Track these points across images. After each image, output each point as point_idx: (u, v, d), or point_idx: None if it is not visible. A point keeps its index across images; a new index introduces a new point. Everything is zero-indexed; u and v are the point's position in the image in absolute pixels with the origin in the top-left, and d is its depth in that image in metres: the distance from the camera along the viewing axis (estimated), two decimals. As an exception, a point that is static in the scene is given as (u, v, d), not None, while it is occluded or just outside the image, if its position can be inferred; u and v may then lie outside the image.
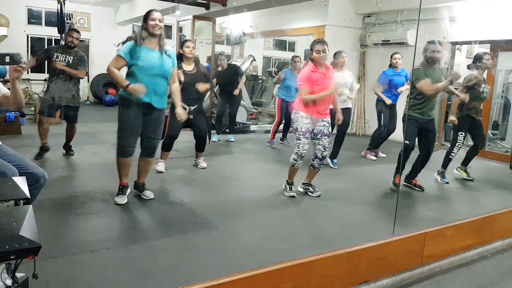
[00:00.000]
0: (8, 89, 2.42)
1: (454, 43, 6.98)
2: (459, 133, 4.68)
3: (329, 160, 5.21)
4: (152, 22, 3.24)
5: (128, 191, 3.54)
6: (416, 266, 2.62)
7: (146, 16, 3.30)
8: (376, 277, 2.43)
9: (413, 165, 4.32)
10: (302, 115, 3.67)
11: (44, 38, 10.77)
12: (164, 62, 3.30)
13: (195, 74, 4.43)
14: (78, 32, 4.84)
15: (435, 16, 6.60)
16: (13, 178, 1.82)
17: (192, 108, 4.38)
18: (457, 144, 4.68)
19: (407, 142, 4.06)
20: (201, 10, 7.69)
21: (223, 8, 7.19)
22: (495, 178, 5.19)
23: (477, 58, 4.66)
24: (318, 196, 3.93)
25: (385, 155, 5.88)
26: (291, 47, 12.79)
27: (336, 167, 5.22)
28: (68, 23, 7.48)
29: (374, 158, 5.84)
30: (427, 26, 6.72)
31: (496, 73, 7.07)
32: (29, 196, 1.60)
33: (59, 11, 7.22)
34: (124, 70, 3.32)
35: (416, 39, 3.98)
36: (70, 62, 4.71)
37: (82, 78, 4.89)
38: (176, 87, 3.60)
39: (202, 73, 4.53)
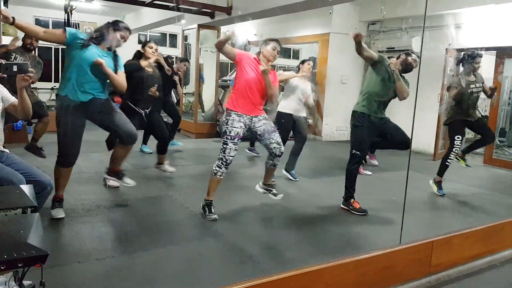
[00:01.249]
0: (16, 98, 2.45)
1: (460, 50, 6.96)
2: (455, 138, 4.47)
3: (286, 174, 4.85)
4: (119, 35, 3.14)
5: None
6: (423, 275, 2.59)
7: (118, 27, 3.17)
8: (383, 286, 2.41)
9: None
10: (234, 118, 3.30)
11: (51, 47, 10.90)
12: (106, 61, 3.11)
13: (153, 75, 4.20)
14: None
15: (440, 23, 6.61)
16: (21, 186, 1.83)
17: (147, 111, 4.19)
18: (454, 150, 4.45)
19: (357, 152, 3.66)
20: (206, 19, 7.75)
21: (228, 17, 7.23)
22: (503, 186, 5.14)
23: (465, 59, 4.48)
24: (280, 198, 3.69)
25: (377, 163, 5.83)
26: (296, 55, 12.82)
27: (297, 179, 4.84)
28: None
29: (370, 173, 5.43)
30: (433, 33, 6.72)
31: (503, 80, 7.04)
32: (36, 204, 1.61)
33: (66, 20, 7.30)
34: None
35: (422, 46, 3.96)
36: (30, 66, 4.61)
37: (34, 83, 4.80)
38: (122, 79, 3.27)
39: (158, 77, 4.33)
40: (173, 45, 12.46)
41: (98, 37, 3.12)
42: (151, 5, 7.39)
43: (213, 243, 2.94)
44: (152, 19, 9.42)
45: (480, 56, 4.46)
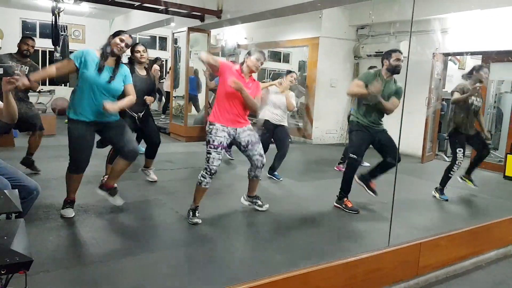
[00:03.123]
0: (1, 101, 2.41)
1: (446, 55, 7.07)
2: (457, 150, 4.46)
3: (271, 176, 5.05)
4: (118, 41, 3.19)
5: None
6: (412, 276, 2.61)
7: (117, 34, 3.24)
8: (372, 288, 2.42)
9: (372, 168, 4.11)
10: (218, 128, 3.32)
11: (39, 50, 10.77)
12: (115, 81, 3.21)
13: (146, 79, 4.22)
14: (33, 40, 4.67)
15: (427, 27, 6.70)
16: (5, 191, 1.80)
17: (141, 114, 4.22)
18: (457, 162, 4.45)
19: (353, 156, 3.82)
20: (196, 22, 7.74)
21: (218, 20, 7.24)
22: (489, 188, 5.22)
23: (473, 69, 4.56)
24: (266, 209, 3.74)
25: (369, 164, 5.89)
26: (286, 58, 12.88)
27: (281, 179, 5.01)
28: (62, 35, 7.48)
29: (368, 164, 5.76)
30: (420, 37, 6.81)
31: (488, 84, 7.16)
32: (21, 210, 1.59)
33: (53, 23, 7.22)
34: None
35: (409, 51, 4.01)
36: (26, 72, 4.48)
37: (34, 90, 4.66)
38: (129, 99, 3.32)
39: (152, 80, 4.36)
40: (163, 48, 12.42)
41: (103, 53, 3.18)
42: (140, 7, 7.36)
43: (203, 247, 2.93)
44: (142, 22, 9.39)
45: (487, 68, 4.58)
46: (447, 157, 7.38)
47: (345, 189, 3.95)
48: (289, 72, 5.04)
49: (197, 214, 3.38)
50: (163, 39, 12.47)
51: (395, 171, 4.18)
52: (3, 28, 9.96)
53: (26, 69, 4.53)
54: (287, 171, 4.99)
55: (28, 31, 10.76)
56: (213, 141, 3.30)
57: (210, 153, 3.31)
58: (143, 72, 4.23)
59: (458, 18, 6.45)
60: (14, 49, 4.66)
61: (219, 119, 3.35)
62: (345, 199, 3.94)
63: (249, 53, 3.44)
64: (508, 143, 6.09)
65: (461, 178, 4.93)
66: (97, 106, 3.12)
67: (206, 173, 3.32)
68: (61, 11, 7.40)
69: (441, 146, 7.67)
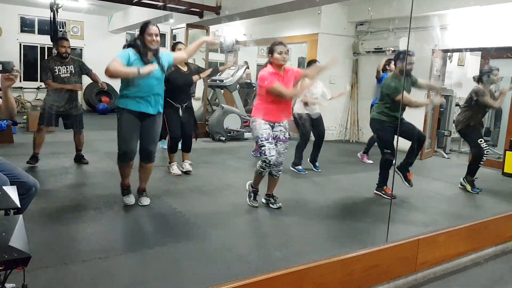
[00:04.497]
0: (0, 97, 2.41)
1: (445, 51, 7.06)
2: (478, 141, 4.62)
3: (311, 164, 5.45)
4: (149, 38, 3.28)
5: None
6: (410, 273, 2.62)
7: (143, 30, 3.30)
8: (370, 284, 2.43)
9: (406, 156, 4.36)
10: (260, 122, 3.51)
11: (37, 46, 10.75)
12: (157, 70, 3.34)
13: (188, 74, 4.60)
14: (67, 40, 4.89)
15: (426, 24, 6.69)
16: (4, 187, 1.80)
17: (184, 105, 4.57)
18: (485, 152, 4.61)
19: (388, 151, 4.13)
20: (194, 19, 7.72)
21: (217, 16, 7.22)
22: (488, 185, 5.21)
23: (485, 73, 4.64)
24: (279, 208, 3.73)
25: (372, 162, 5.97)
26: (285, 55, 12.83)
27: (319, 170, 5.38)
28: (61, 31, 7.47)
29: (371, 161, 5.94)
30: (419, 34, 6.80)
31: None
32: (19, 206, 1.59)
33: (52, 19, 7.21)
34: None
35: (408, 47, 4.01)
36: (74, 72, 4.78)
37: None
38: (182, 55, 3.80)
39: (194, 72, 4.72)
40: (162, 44, 12.37)
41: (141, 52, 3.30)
42: (138, 4, 7.34)
43: (202, 243, 2.93)
44: (140, 18, 9.34)
45: (497, 69, 4.65)
46: (446, 153, 7.39)
47: (382, 181, 4.30)
48: (313, 61, 5.36)
49: (257, 198, 3.75)
50: (161, 36, 12.41)
51: (394, 167, 4.21)
52: (1, 24, 9.93)
53: (71, 68, 4.77)
54: (286, 168, 4.97)
55: (26, 27, 10.73)
56: (262, 134, 3.49)
57: (263, 146, 3.47)
58: (184, 68, 4.59)
59: (457, 14, 6.44)
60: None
61: (261, 115, 3.55)
62: (385, 186, 4.27)
63: (270, 51, 3.57)
64: (507, 139, 6.09)
65: (460, 186, 4.96)
66: (147, 92, 3.32)
67: (265, 165, 3.51)
68: (60, 7, 7.38)
69: (440, 142, 7.68)
